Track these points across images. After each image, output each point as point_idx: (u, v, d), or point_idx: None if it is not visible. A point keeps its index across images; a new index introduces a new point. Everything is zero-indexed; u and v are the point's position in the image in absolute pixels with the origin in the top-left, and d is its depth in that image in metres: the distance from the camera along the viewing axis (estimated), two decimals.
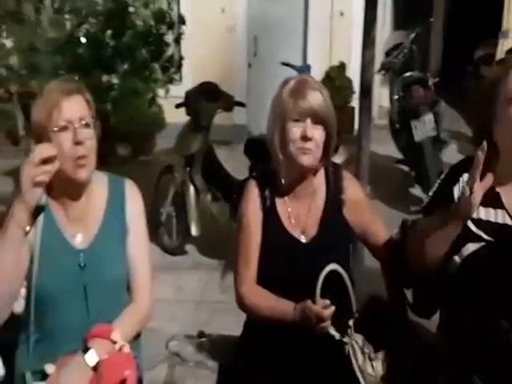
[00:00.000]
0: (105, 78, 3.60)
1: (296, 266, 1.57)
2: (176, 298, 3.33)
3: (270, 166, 1.63)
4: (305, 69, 5.58)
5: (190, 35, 5.12)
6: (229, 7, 6.86)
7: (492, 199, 1.41)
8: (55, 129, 1.38)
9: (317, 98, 1.55)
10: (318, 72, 6.25)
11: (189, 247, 4.06)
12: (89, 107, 1.46)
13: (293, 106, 1.53)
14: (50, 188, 1.45)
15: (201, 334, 1.86)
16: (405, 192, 4.93)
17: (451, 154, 5.13)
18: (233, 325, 1.78)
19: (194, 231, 3.76)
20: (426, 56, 7.84)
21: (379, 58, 5.53)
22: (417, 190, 4.72)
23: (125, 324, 1.49)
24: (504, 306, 1.36)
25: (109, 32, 3.64)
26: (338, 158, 3.46)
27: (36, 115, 1.40)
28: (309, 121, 1.53)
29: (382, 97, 6.64)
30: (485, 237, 1.39)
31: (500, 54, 5.99)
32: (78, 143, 1.40)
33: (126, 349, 1.42)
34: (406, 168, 5.10)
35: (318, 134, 1.54)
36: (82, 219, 1.51)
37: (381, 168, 5.50)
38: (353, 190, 1.66)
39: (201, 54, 6.53)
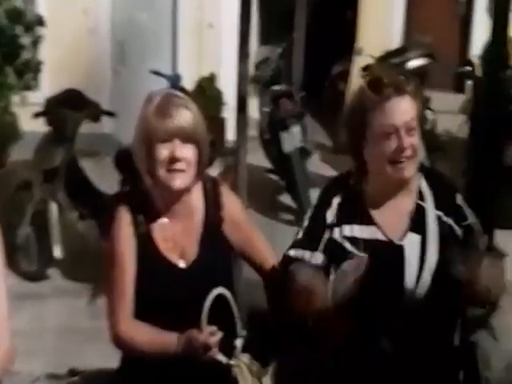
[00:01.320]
0: None
1: (176, 293, 1.50)
2: (38, 330, 3.07)
3: (142, 185, 1.54)
4: (175, 78, 5.58)
5: (48, 37, 4.81)
6: (91, 9, 6.56)
7: (364, 217, 1.52)
8: None
9: (184, 116, 1.48)
10: (188, 82, 6.28)
11: (52, 271, 3.74)
12: None
13: (159, 125, 1.45)
14: None
15: (72, 372, 1.67)
16: (275, 200, 5.15)
17: (315, 163, 5.49)
18: (108, 354, 1.64)
19: (57, 253, 3.54)
20: (289, 70, 8.28)
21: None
22: (286, 198, 4.95)
23: None
24: (382, 318, 1.46)
25: None
26: (212, 171, 3.51)
27: None
28: (177, 141, 1.46)
29: (251, 108, 6.86)
30: (359, 253, 1.48)
31: (355, 70, 6.53)
32: None
33: None
34: (275, 177, 5.34)
35: (188, 153, 1.48)
36: None
37: (251, 177, 5.69)
38: (232, 206, 1.62)
39: (61, 59, 6.16)
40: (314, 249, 1.53)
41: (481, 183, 2.63)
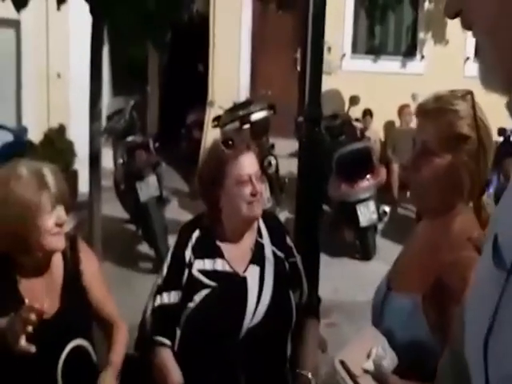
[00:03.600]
0: None
1: (39, 343, 1.49)
2: None
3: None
4: (21, 132, 5.35)
5: None
6: None
7: (215, 252, 1.72)
8: None
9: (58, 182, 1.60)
10: (36, 135, 6.03)
11: None
12: None
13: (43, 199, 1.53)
14: None
15: None
16: (133, 250, 5.10)
17: (173, 210, 5.56)
18: None
19: None
20: (144, 120, 8.36)
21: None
22: (144, 247, 4.94)
23: None
24: (226, 336, 1.63)
25: None
26: (68, 224, 3.42)
27: None
28: (59, 207, 1.57)
29: (104, 158, 6.75)
30: (211, 283, 1.67)
31: (208, 120, 6.83)
32: None
33: None
34: (133, 227, 5.30)
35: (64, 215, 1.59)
36: None
37: (108, 229, 5.56)
38: (89, 261, 1.72)
39: None
40: (176, 288, 1.69)
41: (306, 218, 3.00)
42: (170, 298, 1.67)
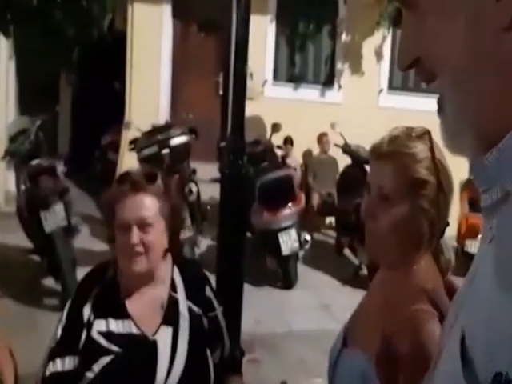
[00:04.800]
0: None
1: None
2: None
3: None
4: None
5: None
6: None
7: (119, 311, 1.47)
8: None
9: None
10: None
11: None
12: None
13: None
14: None
15: None
16: (37, 284, 4.67)
17: (83, 238, 5.18)
18: None
19: None
20: (54, 140, 7.87)
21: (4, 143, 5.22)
22: (50, 281, 4.53)
23: None
24: None
25: None
26: None
27: None
28: None
29: (9, 182, 6.24)
30: (114, 348, 1.43)
31: (124, 142, 6.52)
32: None
33: None
34: (38, 258, 4.86)
35: None
36: None
37: (11, 260, 5.09)
38: None
39: None
40: (72, 353, 1.44)
41: (228, 248, 2.91)
42: (64, 364, 1.43)
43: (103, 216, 1.59)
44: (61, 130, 8.09)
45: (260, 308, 4.47)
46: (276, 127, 5.91)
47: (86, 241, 5.20)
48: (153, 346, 1.47)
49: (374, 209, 1.10)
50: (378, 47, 7.38)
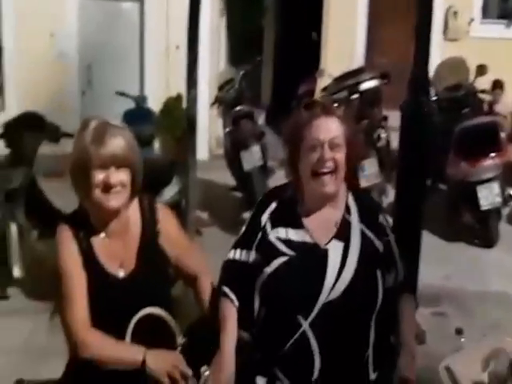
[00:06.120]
0: None
1: (117, 301, 1.61)
2: None
3: (81, 206, 1.66)
4: (141, 99, 5.71)
5: (15, 61, 4.92)
6: (58, 32, 6.67)
7: (296, 222, 1.68)
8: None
9: (118, 144, 1.58)
10: (155, 103, 6.41)
11: (11, 291, 3.73)
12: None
13: (95, 153, 1.55)
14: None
15: (19, 382, 1.79)
16: (239, 217, 5.26)
17: (279, 181, 5.60)
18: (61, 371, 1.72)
19: (16, 273, 3.56)
20: (258, 90, 8.48)
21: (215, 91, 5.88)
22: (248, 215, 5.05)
23: None
24: (302, 305, 1.62)
25: None
26: (171, 189, 3.61)
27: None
28: (112, 168, 1.57)
29: (219, 128, 7.02)
30: (289, 252, 1.65)
31: (318, 90, 6.74)
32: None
33: None
34: (239, 194, 5.46)
35: (122, 176, 1.59)
36: None
37: (218, 195, 5.81)
38: (166, 221, 1.74)
39: (27, 81, 6.24)
40: (248, 248, 1.68)
41: (407, 196, 2.85)
42: (241, 255, 1.70)
43: (287, 142, 1.70)
44: (264, 81, 8.66)
45: (452, 264, 4.26)
46: (481, 69, 5.33)
47: (280, 183, 5.62)
48: (324, 254, 1.63)
49: None
50: None
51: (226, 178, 5.56)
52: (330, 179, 1.63)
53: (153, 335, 1.61)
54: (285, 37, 8.62)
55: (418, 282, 2.96)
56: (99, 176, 1.57)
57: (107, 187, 1.57)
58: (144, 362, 1.54)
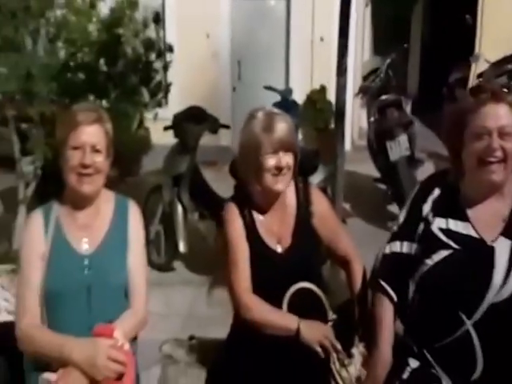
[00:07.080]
0: (97, 102, 3.81)
1: (274, 274, 1.74)
2: (164, 313, 3.45)
3: (245, 188, 1.81)
4: (287, 92, 5.85)
5: (176, 61, 5.34)
6: (213, 33, 7.12)
7: (459, 213, 1.61)
8: (70, 147, 1.66)
9: (285, 130, 1.71)
10: (299, 95, 6.52)
11: (177, 264, 4.20)
12: (104, 136, 1.70)
13: (266, 141, 1.69)
14: (63, 199, 1.71)
15: (191, 337, 2.07)
16: (383, 209, 5.15)
17: (427, 173, 5.36)
18: (220, 336, 1.93)
19: (182, 248, 3.93)
20: (404, 79, 8.18)
21: (359, 81, 5.83)
22: (394, 207, 4.93)
23: (124, 325, 1.68)
24: (466, 303, 1.55)
25: (102, 60, 3.88)
26: (316, 177, 3.68)
27: (58, 133, 1.70)
28: (281, 152, 1.70)
29: (362, 119, 6.93)
30: (453, 245, 1.58)
31: (472, 77, 6.31)
32: (83, 165, 1.63)
33: (126, 346, 1.61)
34: (383, 186, 5.35)
35: (289, 160, 1.73)
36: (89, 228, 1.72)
37: (361, 187, 5.74)
38: (320, 203, 1.84)
39: (187, 79, 6.76)
40: (410, 239, 1.65)
41: None
42: (402, 247, 1.67)
43: (450, 129, 1.64)
44: (410, 69, 8.34)
45: None
46: None
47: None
48: (490, 251, 1.54)
49: None
50: None
51: (370, 170, 5.49)
52: (498, 167, 1.54)
53: (305, 308, 1.69)
54: (435, 22, 8.20)
55: None
56: (271, 161, 1.70)
57: (278, 170, 1.70)
58: (298, 330, 1.63)
